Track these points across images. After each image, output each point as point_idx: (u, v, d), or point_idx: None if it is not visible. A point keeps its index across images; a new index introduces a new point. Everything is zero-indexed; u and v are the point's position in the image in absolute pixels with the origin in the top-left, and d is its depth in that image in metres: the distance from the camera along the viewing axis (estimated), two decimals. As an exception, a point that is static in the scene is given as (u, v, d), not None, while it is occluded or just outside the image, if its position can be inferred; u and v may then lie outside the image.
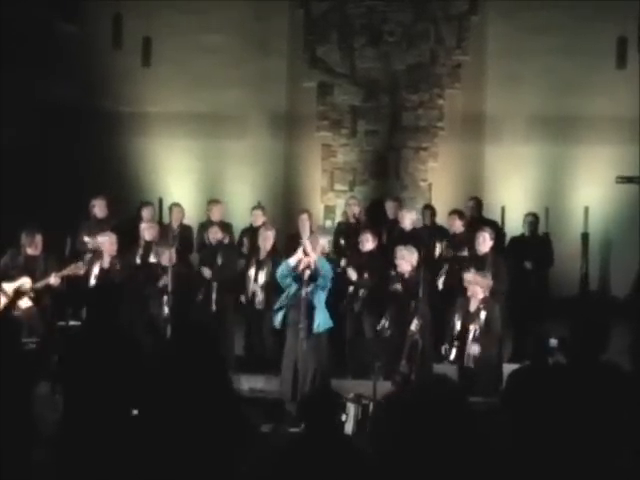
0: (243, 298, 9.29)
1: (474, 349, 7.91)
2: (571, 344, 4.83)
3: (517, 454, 4.70)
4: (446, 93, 11.41)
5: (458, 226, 9.56)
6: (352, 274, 9.09)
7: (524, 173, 11.05)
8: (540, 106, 11.01)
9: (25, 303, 8.59)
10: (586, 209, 10.59)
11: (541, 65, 11.01)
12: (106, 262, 8.99)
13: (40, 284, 8.64)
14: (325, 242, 8.84)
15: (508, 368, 7.39)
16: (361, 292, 9.07)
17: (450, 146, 11.33)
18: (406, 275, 8.60)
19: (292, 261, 8.14)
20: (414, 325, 8.25)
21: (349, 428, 7.60)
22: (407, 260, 8.56)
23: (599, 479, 4.58)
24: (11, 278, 8.61)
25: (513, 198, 10.77)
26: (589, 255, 10.55)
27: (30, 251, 8.72)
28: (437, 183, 11.24)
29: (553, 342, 5.77)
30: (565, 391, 4.74)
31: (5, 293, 8.54)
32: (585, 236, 10.58)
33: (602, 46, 10.46)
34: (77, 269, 8.72)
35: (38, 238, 8.74)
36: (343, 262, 9.31)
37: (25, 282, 8.63)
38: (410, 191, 11.36)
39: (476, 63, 11.31)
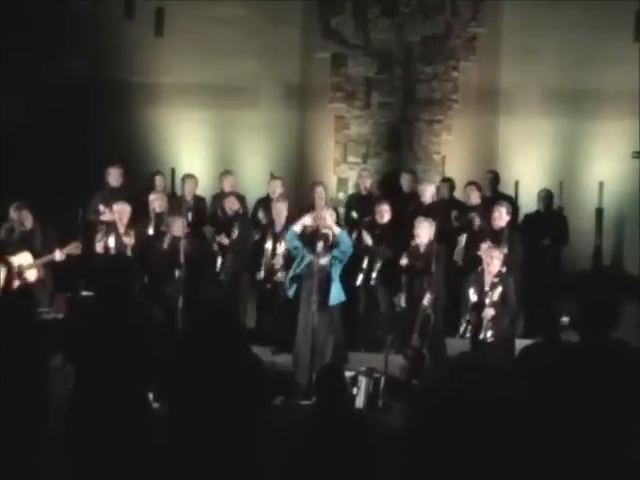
0: (262, 274, 9.25)
1: (488, 312, 7.85)
2: (581, 321, 4.81)
3: (526, 431, 4.69)
4: (461, 65, 11.30)
5: (475, 198, 9.55)
6: (367, 239, 9.06)
7: (538, 147, 10.96)
8: (556, 79, 10.90)
9: (25, 280, 8.58)
10: (601, 184, 10.52)
11: (557, 38, 10.88)
12: (121, 232, 8.99)
13: (42, 261, 8.62)
14: (333, 213, 8.76)
15: (520, 344, 7.40)
16: (377, 265, 9.06)
17: (464, 119, 11.25)
18: (423, 248, 8.56)
19: (297, 227, 8.15)
20: (426, 299, 8.25)
21: (360, 401, 7.63)
22: (427, 232, 8.53)
23: (610, 457, 4.58)
24: (10, 253, 8.58)
25: (527, 172, 10.70)
26: (603, 231, 10.50)
27: (21, 228, 8.70)
28: (450, 156, 11.18)
29: (565, 320, 5.74)
30: (575, 369, 4.73)
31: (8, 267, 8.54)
32: (599, 211, 10.52)
33: (620, 19, 10.33)
34: (77, 248, 8.68)
35: (25, 214, 8.73)
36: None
37: (26, 257, 8.61)
38: (423, 164, 11.30)
39: (491, 35, 11.19)
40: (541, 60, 10.92)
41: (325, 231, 8.05)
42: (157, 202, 9.47)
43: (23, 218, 8.72)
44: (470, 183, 9.77)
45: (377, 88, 11.46)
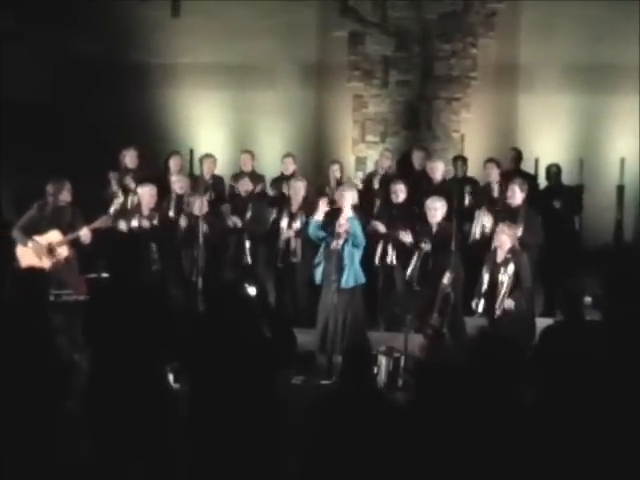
0: (279, 252, 9.24)
1: (508, 303, 7.81)
2: (604, 299, 4.78)
3: (548, 410, 4.67)
4: (479, 42, 11.18)
5: (495, 175, 9.49)
6: (380, 227, 9.04)
7: (558, 124, 10.86)
8: (576, 54, 10.77)
9: (57, 256, 8.61)
10: (622, 160, 10.40)
11: (577, 13, 10.73)
12: (145, 214, 9.00)
13: (70, 237, 8.64)
14: (354, 194, 8.77)
15: (541, 322, 7.36)
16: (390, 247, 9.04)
17: (483, 96, 11.15)
18: (435, 227, 8.53)
19: (318, 217, 8.11)
20: (446, 278, 8.21)
21: (381, 381, 7.63)
22: (440, 211, 8.49)
23: (634, 436, 4.55)
24: (41, 231, 8.62)
25: (547, 149, 10.60)
26: (624, 208, 10.40)
27: (61, 198, 8.62)
28: (469, 134, 11.09)
29: (587, 300, 5.71)
30: (600, 347, 4.70)
31: (36, 247, 8.54)
32: (621, 188, 10.41)
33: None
34: (107, 221, 8.71)
35: (67, 186, 8.68)
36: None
37: (55, 235, 8.63)
38: (442, 142, 11.22)
39: (510, 11, 11.05)
40: (561, 36, 10.78)
41: (342, 221, 8.04)
42: (178, 183, 9.51)
43: (66, 190, 8.62)
44: (489, 160, 9.71)
45: (395, 66, 11.37)
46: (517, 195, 8.66)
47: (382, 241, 9.07)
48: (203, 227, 8.67)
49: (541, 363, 5.01)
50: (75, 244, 8.67)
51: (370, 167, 11.02)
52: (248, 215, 9.40)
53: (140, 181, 9.34)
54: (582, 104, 10.80)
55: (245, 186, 9.63)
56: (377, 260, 9.07)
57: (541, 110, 10.88)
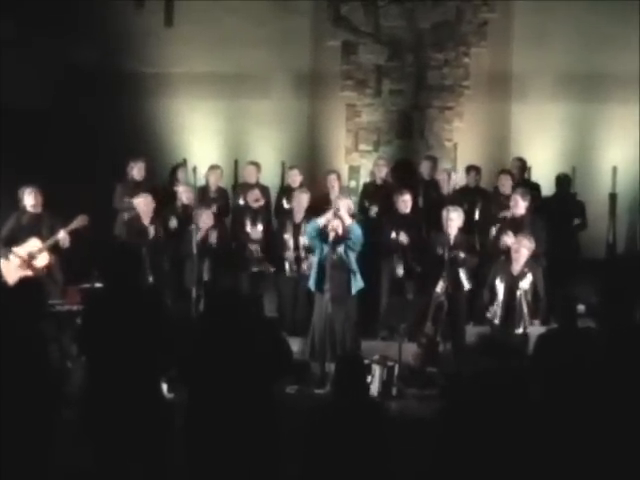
0: (287, 266, 9.24)
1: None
2: (600, 308, 4.80)
3: (544, 419, 4.68)
4: (472, 51, 11.22)
5: (508, 186, 9.47)
6: (403, 237, 8.98)
7: (551, 132, 10.89)
8: (568, 64, 10.81)
9: (39, 263, 8.56)
10: (614, 169, 10.45)
11: (569, 22, 10.79)
12: (146, 224, 9.00)
13: (49, 242, 8.58)
14: (350, 202, 8.81)
15: (534, 330, 7.37)
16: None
17: (476, 105, 11.17)
18: (452, 237, 8.50)
19: (321, 221, 8.14)
20: (439, 287, 8.22)
21: (374, 389, 7.63)
22: (456, 222, 8.48)
23: (629, 442, 4.56)
24: (20, 241, 8.56)
25: (540, 158, 10.64)
26: (617, 216, 10.44)
27: (32, 209, 8.64)
28: (462, 143, 11.07)
29: (580, 308, 5.72)
30: (594, 355, 4.71)
31: (18, 258, 8.49)
32: (613, 197, 10.45)
33: (632, 1, 10.26)
34: (83, 221, 8.65)
35: (38, 194, 8.68)
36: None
37: (35, 244, 8.58)
38: (435, 151, 11.21)
39: (503, 20, 11.09)
40: (553, 45, 10.83)
41: (335, 222, 8.06)
42: (185, 194, 9.49)
43: (38, 198, 8.65)
44: (503, 171, 9.72)
45: (388, 75, 11.40)
46: (520, 204, 8.67)
47: (401, 253, 9.01)
48: (213, 238, 8.72)
49: (538, 369, 5.03)
50: (56, 250, 8.64)
51: (363, 176, 11.04)
52: (259, 227, 9.36)
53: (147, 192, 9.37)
54: (575, 112, 10.84)
55: (255, 197, 9.55)
56: (401, 272, 8.98)
57: (534, 119, 10.92)
